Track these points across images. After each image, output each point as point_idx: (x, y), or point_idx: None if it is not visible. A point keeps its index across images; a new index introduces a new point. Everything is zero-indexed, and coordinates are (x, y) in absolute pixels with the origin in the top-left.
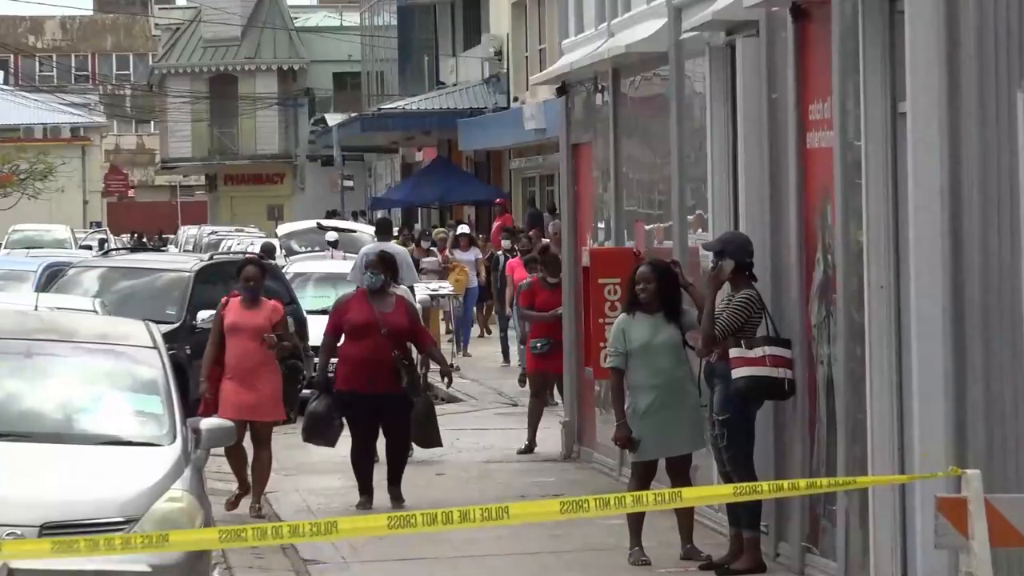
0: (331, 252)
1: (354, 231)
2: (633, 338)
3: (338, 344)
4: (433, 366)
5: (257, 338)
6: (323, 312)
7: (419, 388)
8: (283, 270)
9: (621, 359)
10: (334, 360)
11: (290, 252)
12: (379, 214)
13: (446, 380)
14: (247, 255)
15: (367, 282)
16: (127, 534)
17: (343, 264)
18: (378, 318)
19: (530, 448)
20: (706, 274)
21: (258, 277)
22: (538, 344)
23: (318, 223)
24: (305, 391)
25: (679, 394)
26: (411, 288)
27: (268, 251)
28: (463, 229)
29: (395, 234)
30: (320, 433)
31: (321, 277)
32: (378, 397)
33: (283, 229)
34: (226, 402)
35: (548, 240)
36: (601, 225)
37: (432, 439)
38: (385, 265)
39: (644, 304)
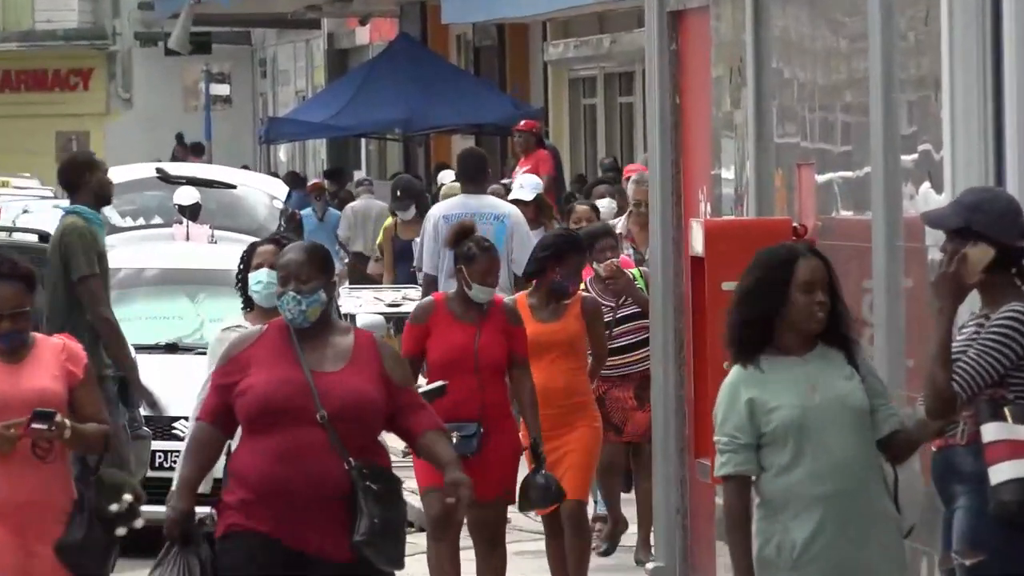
0: (184, 226)
1: (233, 186)
2: (772, 408)
3: (225, 442)
4: None
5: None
6: (169, 349)
7: (399, 549)
8: None
9: (748, 458)
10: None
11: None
12: (297, 161)
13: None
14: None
15: (289, 307)
16: None
17: (212, 253)
18: (313, 390)
19: None
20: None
21: (23, 305)
22: (454, 435)
23: (158, 169)
24: (137, 523)
25: (868, 514)
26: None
27: None
28: (528, 187)
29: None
30: None
31: (160, 277)
32: (305, 561)
33: None
34: None
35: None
36: (727, 174)
37: None
38: (321, 264)
39: (821, 335)
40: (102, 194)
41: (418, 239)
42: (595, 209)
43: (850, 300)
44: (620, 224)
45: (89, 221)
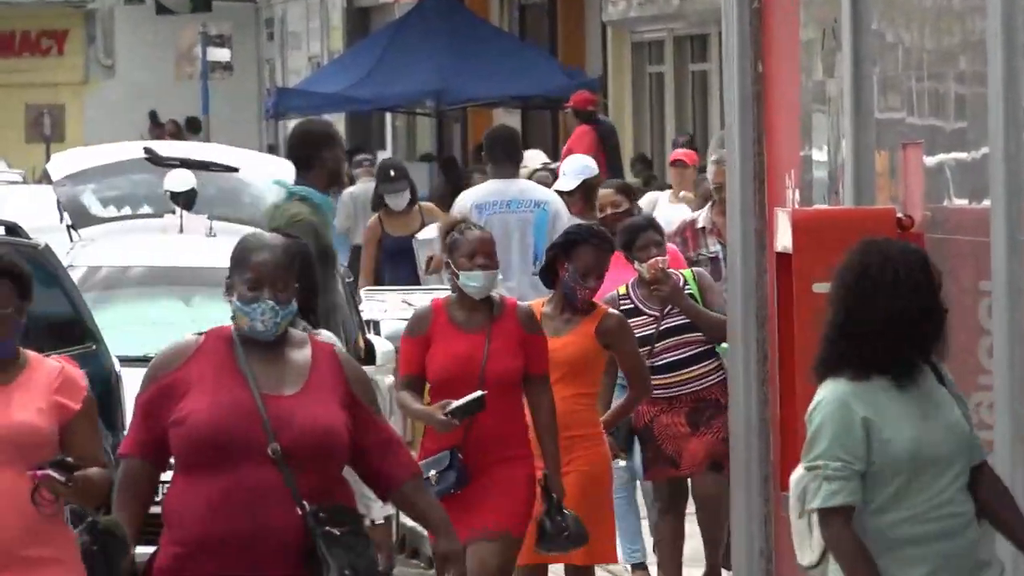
0: (178, 216)
1: (235, 169)
2: (888, 438)
3: (158, 477)
4: None
5: (18, 463)
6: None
7: None
8: (66, 261)
9: (858, 486)
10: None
11: (80, 217)
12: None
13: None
14: None
15: (263, 317)
16: None
17: (210, 248)
18: (263, 417)
19: None
20: None
21: (3, 306)
22: (431, 473)
23: (147, 149)
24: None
25: (971, 556)
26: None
27: None
28: (570, 173)
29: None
30: None
31: (148, 276)
32: None
33: (63, 163)
34: None
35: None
36: (819, 156)
37: None
38: (294, 268)
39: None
40: (336, 175)
41: (420, 235)
42: (625, 191)
43: (965, 304)
44: (702, 217)
45: (318, 208)
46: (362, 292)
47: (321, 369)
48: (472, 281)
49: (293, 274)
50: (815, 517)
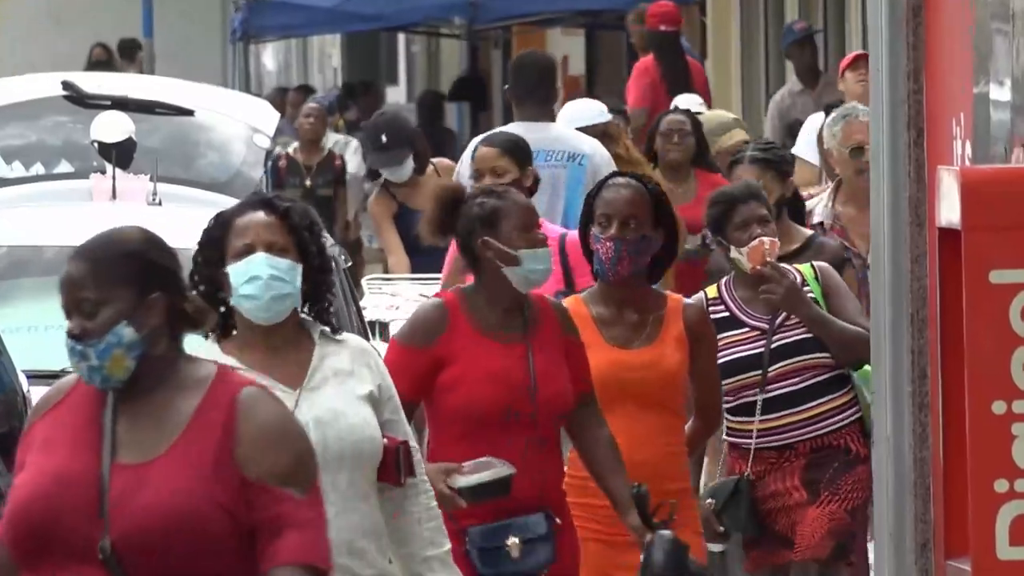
0: (109, 177)
1: (189, 112)
2: None
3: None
4: None
5: None
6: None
7: None
8: None
9: None
10: None
11: None
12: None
13: None
14: None
15: (74, 363)
16: None
17: (153, 220)
18: (103, 496)
19: None
20: None
21: None
22: (511, 541)
23: (66, 83)
24: None
25: None
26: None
27: None
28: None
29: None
30: None
31: (66, 261)
32: None
33: None
34: None
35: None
36: (999, 94)
37: None
38: (122, 272)
39: None
40: None
41: None
42: (516, 152)
43: None
44: (819, 208)
45: None
46: (364, 283)
47: (203, 422)
48: (539, 263)
49: (111, 282)
50: None
